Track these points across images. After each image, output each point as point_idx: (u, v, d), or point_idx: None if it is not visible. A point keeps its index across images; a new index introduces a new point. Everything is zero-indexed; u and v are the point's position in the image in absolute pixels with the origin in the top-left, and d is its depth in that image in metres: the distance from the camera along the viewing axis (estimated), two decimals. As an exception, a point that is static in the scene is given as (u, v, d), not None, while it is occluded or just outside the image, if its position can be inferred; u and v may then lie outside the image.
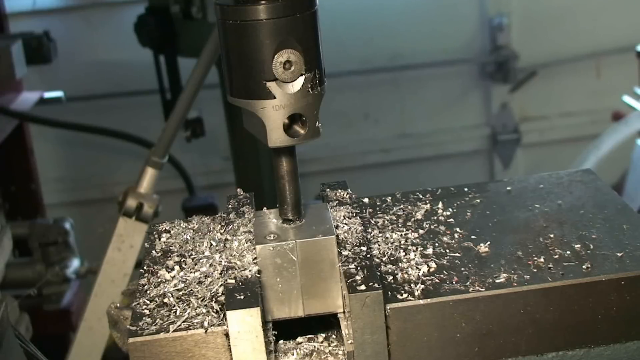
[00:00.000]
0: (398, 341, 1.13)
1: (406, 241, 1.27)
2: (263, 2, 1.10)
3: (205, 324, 1.09)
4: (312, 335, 1.21)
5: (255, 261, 1.15)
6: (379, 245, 1.26)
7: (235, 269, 1.14)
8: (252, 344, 1.07)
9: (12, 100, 3.54)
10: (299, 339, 1.20)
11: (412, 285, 1.15)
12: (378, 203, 1.41)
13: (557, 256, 1.20)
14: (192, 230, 1.33)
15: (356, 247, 1.18)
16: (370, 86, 4.67)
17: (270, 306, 1.17)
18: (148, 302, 1.16)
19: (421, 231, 1.30)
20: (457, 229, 1.30)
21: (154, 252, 1.29)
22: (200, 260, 1.22)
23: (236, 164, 3.28)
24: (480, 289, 1.13)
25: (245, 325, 1.06)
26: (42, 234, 3.17)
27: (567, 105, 4.84)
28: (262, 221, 1.24)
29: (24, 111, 3.55)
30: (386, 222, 1.34)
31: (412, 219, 1.34)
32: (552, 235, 1.26)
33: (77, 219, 3.46)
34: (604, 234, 1.25)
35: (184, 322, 1.10)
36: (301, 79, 1.13)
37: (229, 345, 1.08)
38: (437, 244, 1.26)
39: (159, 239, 1.32)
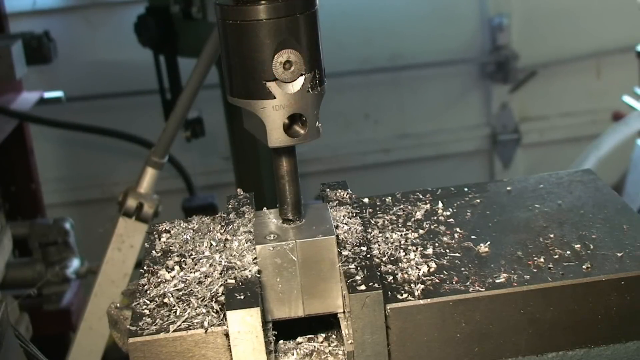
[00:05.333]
0: (398, 341, 1.13)
1: (406, 241, 1.27)
2: (263, 2, 1.10)
3: (205, 324, 1.09)
4: (312, 335, 1.21)
5: (255, 261, 1.15)
6: (379, 245, 1.26)
7: (235, 269, 1.14)
8: (252, 344, 1.07)
9: (12, 100, 3.54)
10: (299, 339, 1.20)
11: (412, 285, 1.15)
12: (378, 203, 1.41)
13: (557, 256, 1.20)
14: (192, 230, 1.33)
15: (356, 247, 1.18)
16: (370, 86, 4.67)
17: (270, 306, 1.17)
18: (148, 302, 1.16)
19: (421, 231, 1.30)
20: (457, 229, 1.30)
21: (154, 252, 1.29)
22: (200, 260, 1.22)
23: (236, 164, 3.28)
24: (480, 289, 1.13)
25: (245, 325, 1.06)
26: (42, 234, 3.17)
27: (567, 105, 4.84)
28: (262, 221, 1.24)
29: (24, 111, 3.55)
30: (386, 222, 1.33)
31: (412, 219, 1.34)
32: (552, 235, 1.26)
33: (77, 219, 3.46)
34: (604, 234, 1.25)
35: (184, 322, 1.10)
36: (301, 79, 1.13)
37: (229, 345, 1.08)
38: (437, 244, 1.26)
39: (159, 239, 1.32)
